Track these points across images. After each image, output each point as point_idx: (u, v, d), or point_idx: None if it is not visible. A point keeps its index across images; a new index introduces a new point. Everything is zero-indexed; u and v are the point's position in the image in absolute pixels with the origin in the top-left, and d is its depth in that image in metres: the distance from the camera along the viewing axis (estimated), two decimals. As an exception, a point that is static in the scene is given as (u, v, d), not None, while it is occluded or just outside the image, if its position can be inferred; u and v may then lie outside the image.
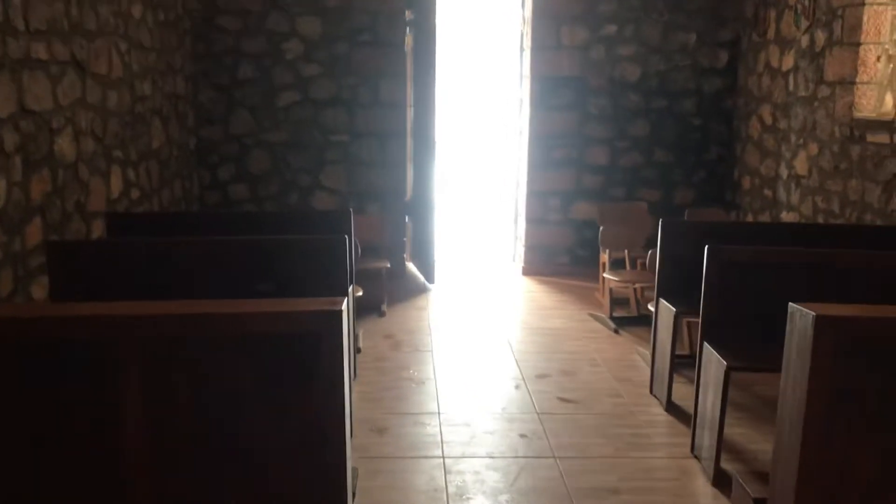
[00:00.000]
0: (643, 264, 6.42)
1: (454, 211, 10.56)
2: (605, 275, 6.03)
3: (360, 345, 5.46)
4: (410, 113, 7.59)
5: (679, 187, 7.53)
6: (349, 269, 4.06)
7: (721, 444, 3.66)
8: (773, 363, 3.72)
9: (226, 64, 7.11)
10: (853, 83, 5.39)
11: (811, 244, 4.30)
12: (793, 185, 6.20)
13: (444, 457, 3.89)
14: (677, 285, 4.61)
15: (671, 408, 4.49)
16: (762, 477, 3.66)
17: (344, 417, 2.50)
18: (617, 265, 6.27)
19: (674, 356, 4.47)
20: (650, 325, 6.02)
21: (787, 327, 2.84)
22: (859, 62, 5.32)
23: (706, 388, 3.81)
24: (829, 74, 5.65)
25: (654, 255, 5.22)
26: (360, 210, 7.39)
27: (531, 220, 7.56)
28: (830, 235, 4.49)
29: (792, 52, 6.21)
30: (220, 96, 7.16)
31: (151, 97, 5.84)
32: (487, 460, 3.86)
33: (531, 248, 7.60)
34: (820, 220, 5.76)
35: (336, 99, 7.23)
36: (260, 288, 3.91)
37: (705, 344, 3.83)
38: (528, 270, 7.59)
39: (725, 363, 3.56)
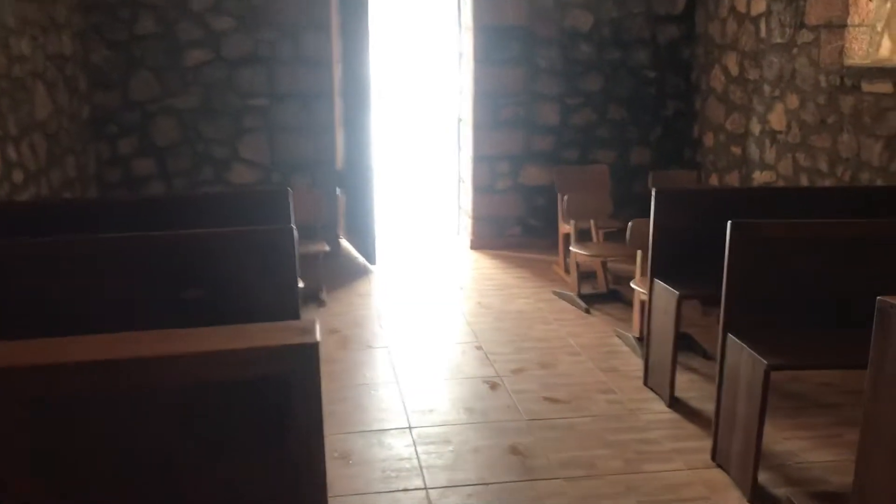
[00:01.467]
0: (605, 234, 5.83)
1: (393, 180, 9.72)
2: (572, 248, 5.40)
3: (303, 344, 4.67)
4: (338, 70, 6.72)
5: (635, 147, 6.95)
6: (296, 264, 3.27)
7: (759, 455, 3.08)
8: (820, 359, 3.17)
9: (122, 17, 6.08)
10: (843, 26, 4.85)
11: (830, 212, 3.76)
12: (767, 142, 5.69)
13: (426, 488, 3.19)
14: (675, 263, 4.01)
15: (675, 404, 3.90)
16: (818, 497, 3.11)
17: (323, 480, 1.80)
18: (582, 237, 5.65)
19: (676, 345, 3.87)
20: (622, 301, 5.47)
21: (877, 324, 2.26)
22: (850, 2, 4.78)
23: (734, 390, 3.21)
24: (812, 18, 5.11)
25: (638, 227, 4.60)
26: (285, 185, 6.52)
27: (478, 189, 6.86)
28: (854, 199, 3.95)
29: (764, -6, 5.65)
30: (117, 56, 6.13)
31: (31, 58, 4.82)
32: (480, 488, 3.18)
33: (479, 220, 6.91)
34: (804, 180, 5.26)
35: (253, 56, 6.30)
36: (187, 296, 3.10)
37: (730, 337, 3.23)
38: (477, 244, 6.90)
39: (765, 362, 2.96)
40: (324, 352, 4.51)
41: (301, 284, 4.60)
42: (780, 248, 3.25)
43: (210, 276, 3.05)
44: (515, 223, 6.95)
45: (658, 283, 4.00)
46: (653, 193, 4.02)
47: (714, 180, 6.47)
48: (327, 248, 5.47)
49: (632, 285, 4.62)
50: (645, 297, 4.49)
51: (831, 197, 4.12)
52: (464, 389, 4.11)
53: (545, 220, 6.88)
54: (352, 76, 6.45)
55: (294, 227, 4.47)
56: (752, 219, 3.33)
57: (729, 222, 3.20)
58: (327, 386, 4.14)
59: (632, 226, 4.63)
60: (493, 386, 4.14)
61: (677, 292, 3.81)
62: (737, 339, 3.18)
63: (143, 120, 6.26)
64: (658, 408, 3.89)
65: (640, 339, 4.63)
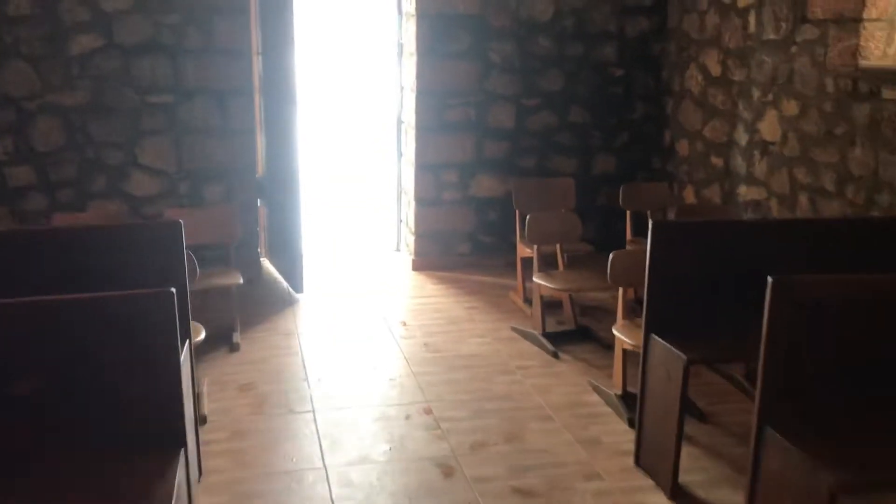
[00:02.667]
0: (570, 257, 5.00)
1: (323, 190, 8.69)
2: (535, 279, 4.56)
3: (205, 409, 3.71)
4: (258, 62, 5.74)
5: (599, 154, 6.14)
6: (180, 339, 2.34)
7: None
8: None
9: (-14, -6, 4.98)
10: (858, 21, 4.11)
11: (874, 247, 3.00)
12: (756, 154, 4.94)
13: None
14: (677, 314, 3.20)
15: (679, 495, 3.09)
16: None
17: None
18: (545, 261, 4.80)
19: (682, 423, 3.06)
20: (595, 341, 4.64)
21: None
22: (867, -7, 4.05)
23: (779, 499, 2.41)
24: (818, 10, 4.36)
25: (621, 261, 3.79)
26: (196, 196, 5.53)
27: (421, 201, 5.96)
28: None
29: (754, -18, 4.89)
30: (-18, 41, 5.03)
31: None
32: None
33: (423, 237, 6.01)
34: (803, 199, 4.52)
35: (153, 44, 5.27)
36: (15, 392, 2.18)
37: (769, 431, 2.43)
38: (421, 264, 6.00)
39: (829, 479, 2.16)
40: (233, 419, 3.59)
41: (201, 335, 3.66)
42: (830, 309, 2.47)
43: (51, 361, 2.11)
44: (464, 240, 6.08)
45: (656, 340, 3.18)
46: (650, 227, 3.20)
47: (689, 194, 5.72)
48: (241, 280, 4.50)
49: (614, 331, 3.80)
50: (629, 347, 3.69)
51: (869, 229, 3.36)
52: (410, 478, 3.22)
53: (498, 235, 6.04)
54: (274, 69, 5.47)
55: (189, 254, 3.53)
56: (775, 260, 2.55)
57: (771, 282, 2.38)
58: (235, 475, 3.21)
59: (613, 259, 3.81)
60: (448, 472, 3.26)
61: (684, 356, 2.99)
62: (781, 438, 2.38)
63: (18, 120, 5.17)
64: (657, 501, 3.08)
65: (623, 398, 3.82)
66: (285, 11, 5.13)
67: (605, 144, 6.12)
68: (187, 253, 3.82)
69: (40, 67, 5.14)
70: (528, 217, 4.66)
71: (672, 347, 3.07)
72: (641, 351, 3.30)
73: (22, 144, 5.22)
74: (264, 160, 5.88)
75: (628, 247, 5.16)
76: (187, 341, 3.05)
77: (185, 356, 2.96)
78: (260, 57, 5.70)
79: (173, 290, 2.23)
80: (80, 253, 3.01)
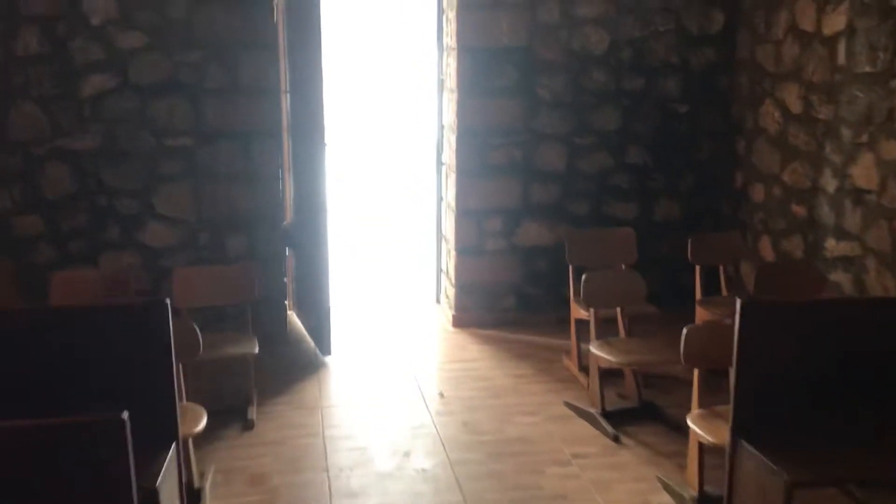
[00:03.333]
0: (631, 318, 4.38)
1: (355, 236, 8.17)
2: (593, 349, 3.96)
3: (207, 509, 3.19)
4: (286, 101, 5.29)
5: (661, 198, 5.53)
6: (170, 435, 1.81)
7: None
8: None
9: (-7, 32, 4.62)
10: (978, 51, 3.48)
11: None
12: (848, 202, 4.29)
13: None
14: (772, 416, 2.58)
15: None
16: None
17: None
18: (603, 324, 4.20)
19: (785, 559, 2.43)
20: (662, 422, 4.00)
21: None
22: None
23: None
24: (925, 39, 3.74)
25: (696, 337, 3.19)
26: (216, 248, 5.06)
27: (463, 250, 5.41)
28: None
29: (843, 6, 4.27)
30: (-12, 82, 4.67)
31: None
32: None
33: (464, 289, 5.45)
34: (909, 257, 3.86)
35: (172, 83, 4.85)
36: None
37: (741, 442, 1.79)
38: (462, 320, 5.44)
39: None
40: (236, 527, 3.04)
41: (200, 426, 3.14)
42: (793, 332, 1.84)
43: None
44: (510, 293, 5.50)
45: (746, 449, 2.56)
46: (737, 307, 2.59)
47: (766, 246, 5.06)
48: (256, 348, 3.98)
49: (689, 423, 3.18)
50: (706, 441, 3.06)
51: None
52: None
53: (548, 288, 5.45)
54: (303, 108, 5.01)
55: (195, 328, 3.06)
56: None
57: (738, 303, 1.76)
58: None
59: (688, 336, 3.20)
60: None
61: (786, 475, 2.37)
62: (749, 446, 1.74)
63: (26, 166, 4.78)
64: None
65: (700, 502, 3.19)
66: (313, 45, 4.66)
67: (667, 188, 5.51)
68: (190, 326, 3.34)
69: (50, 109, 4.75)
70: (583, 277, 4.07)
71: (768, 461, 2.44)
72: (727, 456, 2.68)
73: (30, 192, 4.82)
74: (292, 206, 5.41)
75: (698, 308, 4.53)
76: (173, 444, 2.53)
77: (168, 465, 2.44)
78: (288, 95, 5.25)
79: (125, 415, 1.71)
80: (41, 347, 2.50)
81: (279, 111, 5.15)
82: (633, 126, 5.40)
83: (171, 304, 2.54)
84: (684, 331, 3.22)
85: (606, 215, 5.45)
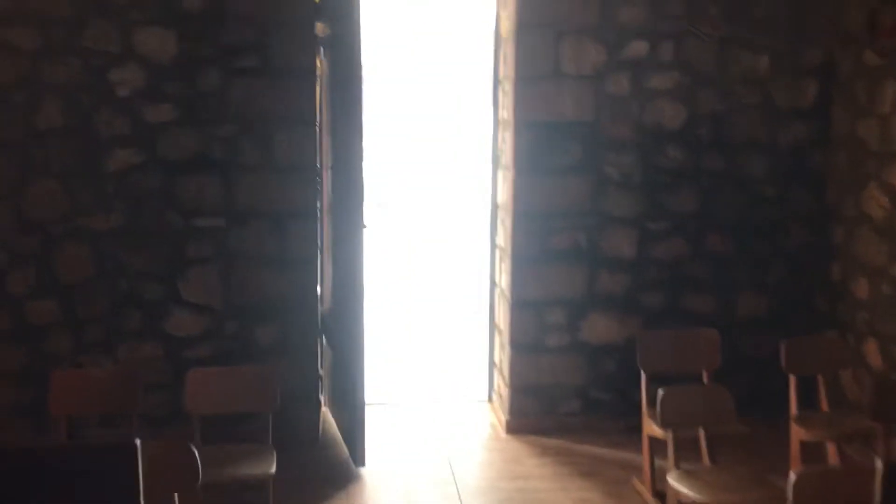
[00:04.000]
0: (714, 441, 3.69)
1: (395, 320, 7.57)
2: (672, 482, 3.28)
3: None
4: (327, 179, 4.85)
5: (745, 291, 4.86)
6: None
7: None
8: None
9: (15, 102, 4.29)
10: None
11: None
12: (981, 307, 3.58)
13: None
14: None
15: None
16: None
17: None
18: (683, 445, 3.53)
19: None
20: None
21: None
22: None
23: None
24: None
25: (808, 483, 2.52)
26: (244, 338, 4.57)
27: (519, 346, 4.81)
28: None
29: (969, 78, 3.65)
30: (9, 156, 4.33)
31: None
32: None
33: (520, 391, 4.83)
34: None
35: (202, 159, 4.45)
36: None
37: None
38: (517, 426, 4.80)
39: None
40: None
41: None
42: None
43: None
44: (573, 395, 4.85)
45: None
46: (877, 467, 1.94)
47: (872, 350, 4.34)
48: (272, 467, 3.41)
49: None
50: None
51: None
52: None
53: (617, 392, 4.80)
54: (343, 187, 4.55)
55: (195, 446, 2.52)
56: None
57: None
58: None
59: (798, 484, 2.53)
60: None
61: None
62: None
63: (43, 247, 4.40)
64: None
65: None
66: (354, 120, 4.21)
67: (753, 280, 4.84)
68: (188, 447, 2.82)
69: (71, 186, 4.38)
70: (659, 393, 3.43)
71: None
72: None
73: (46, 275, 4.43)
74: (331, 292, 4.91)
75: (794, 425, 3.84)
76: None
77: None
78: (329, 172, 4.82)
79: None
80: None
81: (316, 190, 4.71)
82: (712, 209, 4.78)
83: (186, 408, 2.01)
84: (792, 478, 2.55)
85: (682, 309, 4.80)
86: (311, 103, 4.58)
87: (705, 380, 4.06)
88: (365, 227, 4.44)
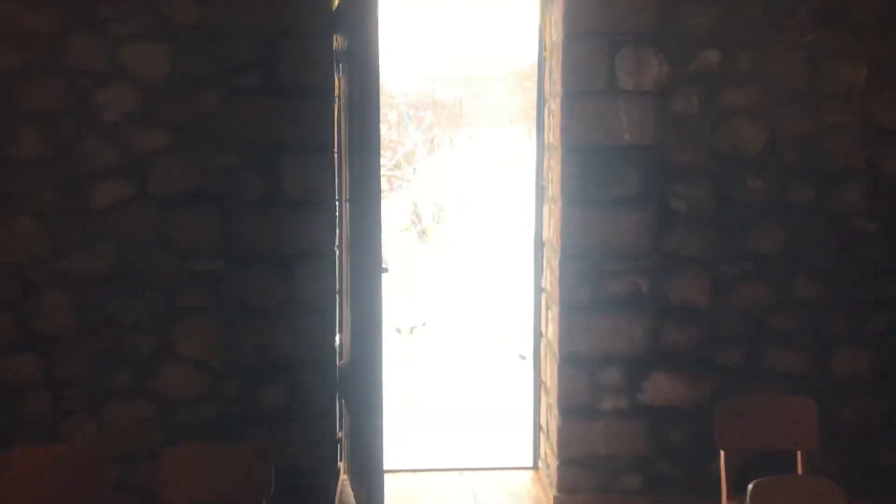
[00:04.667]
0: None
1: (425, 372, 6.86)
2: None
3: None
4: (346, 213, 4.21)
5: (842, 347, 4.05)
6: None
7: None
8: None
9: (-14, 131, 3.77)
10: None
11: None
12: None
13: None
14: None
15: None
16: None
17: None
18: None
19: None
20: None
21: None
22: None
23: None
24: None
25: None
26: (248, 399, 3.94)
27: (569, 410, 4.07)
28: None
29: None
30: (-21, 191, 3.80)
31: None
32: None
33: (571, 462, 4.08)
34: None
35: (199, 193, 3.85)
36: None
37: None
38: (567, 503, 4.08)
39: None
40: None
41: None
42: None
43: None
44: (633, 467, 4.09)
45: None
46: None
47: None
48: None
49: None
50: None
51: None
52: None
53: (686, 465, 4.04)
54: (363, 224, 3.89)
55: None
56: None
57: None
58: None
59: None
60: None
61: None
62: None
63: (18, 292, 3.84)
64: None
65: None
66: (371, 145, 3.57)
67: (851, 333, 4.04)
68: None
69: (51, 225, 3.82)
70: (750, 489, 2.66)
71: None
72: None
73: (22, 327, 3.86)
74: (350, 344, 4.25)
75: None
76: None
77: None
78: (348, 205, 4.18)
79: None
80: None
81: (333, 225, 4.08)
82: (801, 249, 4.00)
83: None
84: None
85: (766, 369, 4.01)
86: (326, 127, 3.96)
87: (799, 460, 3.30)
88: (386, 270, 3.80)
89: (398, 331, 11.84)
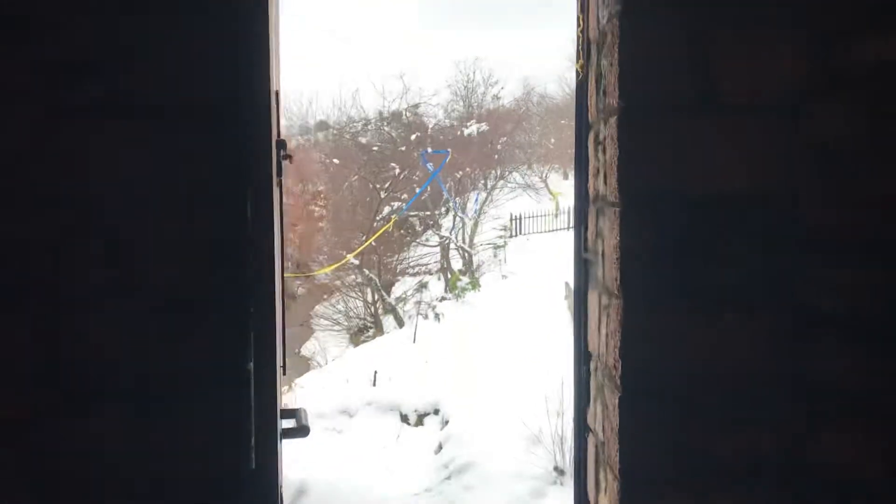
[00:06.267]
0: None
1: None
2: None
3: None
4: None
5: None
6: None
7: None
8: None
9: None
10: None
11: None
12: None
13: None
14: None
15: None
16: None
17: None
18: None
19: None
20: None
21: None
22: None
23: None
24: None
25: None
26: None
27: None
28: None
29: None
30: None
31: None
32: None
33: None
34: None
35: (4, 288, 2.26)
36: None
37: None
38: None
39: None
40: None
41: None
42: None
43: None
44: None
45: None
46: None
47: None
48: None
49: None
50: None
51: None
52: None
53: None
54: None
55: None
56: None
57: None
58: None
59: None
60: None
61: None
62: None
63: None
64: None
65: None
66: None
67: None
68: None
69: None
70: None
71: None
72: None
73: None
74: None
75: None
76: None
77: None
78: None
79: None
80: None
81: (239, 334, 2.44)
82: None
83: None
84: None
85: None
86: (234, 171, 2.36)
87: None
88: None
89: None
